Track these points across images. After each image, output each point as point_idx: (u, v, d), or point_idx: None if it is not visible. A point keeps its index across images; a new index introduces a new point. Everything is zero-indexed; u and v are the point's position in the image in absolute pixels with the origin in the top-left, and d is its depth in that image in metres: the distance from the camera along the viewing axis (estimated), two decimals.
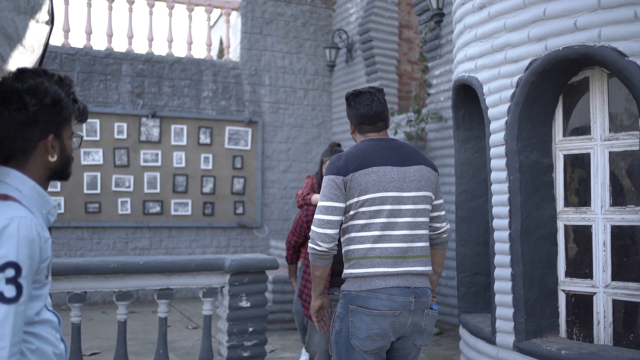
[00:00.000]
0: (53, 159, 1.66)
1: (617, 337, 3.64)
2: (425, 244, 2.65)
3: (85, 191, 7.98)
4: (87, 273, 4.21)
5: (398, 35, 8.53)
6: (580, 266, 3.81)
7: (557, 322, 3.86)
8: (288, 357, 5.36)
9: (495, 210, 3.99)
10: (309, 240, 2.62)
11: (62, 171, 1.72)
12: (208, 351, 4.53)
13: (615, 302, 3.64)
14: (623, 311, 3.65)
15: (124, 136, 8.19)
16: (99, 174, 8.07)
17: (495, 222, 3.98)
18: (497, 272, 3.97)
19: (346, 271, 2.61)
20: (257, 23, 9.03)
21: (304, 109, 9.28)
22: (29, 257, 1.49)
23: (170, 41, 8.65)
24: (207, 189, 8.58)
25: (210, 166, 8.59)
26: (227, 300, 4.57)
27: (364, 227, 2.55)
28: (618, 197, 3.66)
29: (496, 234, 3.98)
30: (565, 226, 3.87)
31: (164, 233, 8.37)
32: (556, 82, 3.78)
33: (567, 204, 3.87)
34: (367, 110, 2.69)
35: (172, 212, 8.39)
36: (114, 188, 8.14)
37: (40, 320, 1.60)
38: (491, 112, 4.01)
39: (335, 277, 3.54)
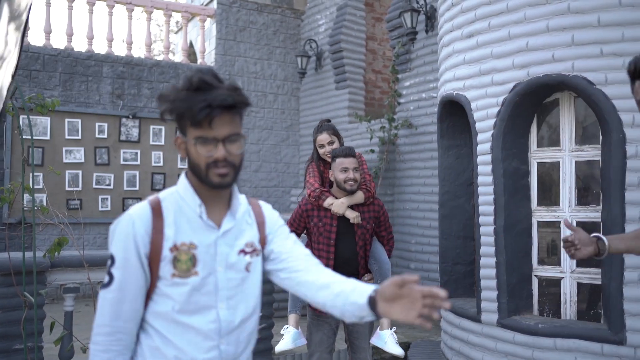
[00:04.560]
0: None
1: (580, 314, 4.44)
2: None
3: (67, 188, 8.22)
4: None
5: (364, 47, 9.21)
6: (551, 255, 4.59)
7: (531, 302, 4.62)
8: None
9: (481, 208, 4.71)
10: None
11: None
12: None
13: (579, 285, 4.44)
14: (585, 292, 4.46)
15: (105, 136, 8.48)
16: (80, 172, 8.33)
17: (482, 219, 4.71)
18: (483, 261, 4.69)
19: None
20: (231, 30, 9.51)
21: (274, 113, 9.83)
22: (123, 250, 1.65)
23: (149, 45, 8.98)
24: None
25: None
26: None
27: None
28: (582, 198, 4.46)
29: (482, 229, 4.70)
30: (539, 222, 4.64)
31: None
32: (533, 101, 4.54)
33: (539, 203, 4.65)
34: None
35: None
36: (94, 185, 8.42)
37: (177, 321, 1.67)
38: (478, 125, 4.73)
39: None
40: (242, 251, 1.75)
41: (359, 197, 3.82)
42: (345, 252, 3.79)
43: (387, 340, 3.86)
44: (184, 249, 1.67)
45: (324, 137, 4.00)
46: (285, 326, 3.82)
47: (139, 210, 1.68)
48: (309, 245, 3.86)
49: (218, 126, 1.58)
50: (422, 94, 7.42)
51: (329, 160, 3.93)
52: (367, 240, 3.87)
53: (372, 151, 7.62)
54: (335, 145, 3.98)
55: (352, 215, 3.76)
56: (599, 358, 4.05)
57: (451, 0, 5.06)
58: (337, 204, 3.75)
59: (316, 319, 3.81)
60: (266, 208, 1.90)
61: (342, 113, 8.96)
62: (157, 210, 1.69)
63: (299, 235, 3.94)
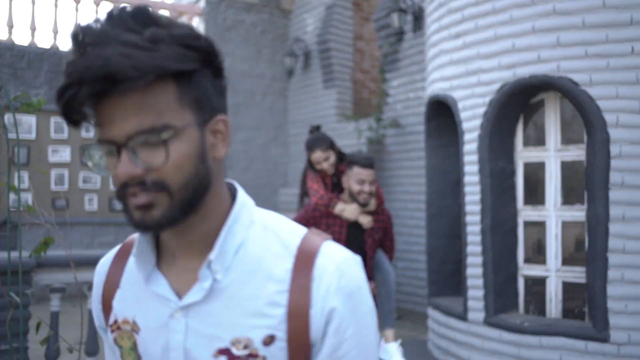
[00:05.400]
0: None
1: (565, 312, 4.48)
2: None
3: (53, 188, 8.17)
4: None
5: (352, 46, 9.23)
6: (536, 254, 4.63)
7: (517, 301, 4.66)
8: None
9: (468, 208, 4.74)
10: None
11: None
12: None
13: (564, 284, 4.49)
14: (570, 290, 4.50)
15: (91, 135, 8.42)
16: (66, 171, 8.28)
17: (469, 218, 4.74)
18: (470, 260, 4.72)
19: None
20: (219, 29, 9.48)
21: (262, 112, 9.81)
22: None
23: None
24: None
25: None
26: None
27: None
28: (567, 197, 4.51)
29: (469, 228, 4.73)
30: (525, 222, 4.67)
31: (128, 230, 8.67)
32: (520, 102, 4.57)
33: (526, 203, 4.68)
34: None
35: None
36: (81, 185, 8.36)
37: None
38: (465, 125, 4.76)
39: None
40: (225, 352, 0.88)
41: (371, 204, 3.64)
42: None
43: (393, 354, 3.70)
44: (127, 329, 0.96)
45: (318, 156, 3.72)
46: None
47: (102, 261, 1.07)
48: None
49: (111, 119, 0.80)
50: (410, 94, 7.44)
51: (329, 173, 3.78)
52: (374, 251, 3.73)
53: (360, 151, 7.64)
54: (332, 159, 3.76)
55: (366, 220, 3.57)
56: (584, 356, 4.09)
57: (438, 0, 5.09)
58: (350, 210, 3.54)
59: None
60: (330, 275, 0.88)
61: (330, 112, 8.97)
62: (121, 258, 1.03)
63: None
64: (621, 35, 4.04)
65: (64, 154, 8.28)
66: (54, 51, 8.27)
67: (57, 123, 8.22)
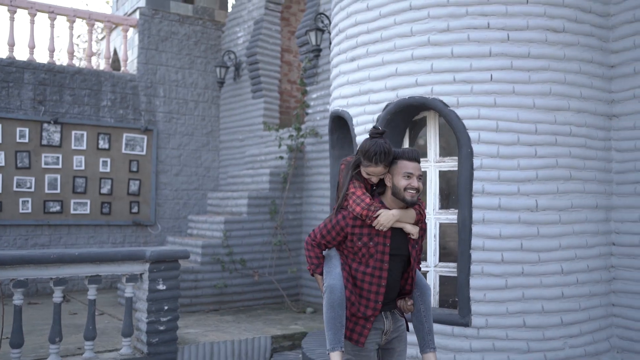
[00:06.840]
0: None
1: (441, 302, 5.17)
2: None
3: None
4: (30, 263, 5.03)
5: (280, 59, 9.82)
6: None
7: None
8: (192, 332, 6.44)
9: None
10: None
11: None
12: (130, 327, 5.51)
13: (441, 277, 5.17)
14: (446, 283, 5.19)
15: (26, 140, 8.75)
16: (0, 175, 8.58)
17: None
18: None
19: None
20: (153, 40, 9.93)
21: (195, 119, 10.31)
22: None
23: (71, 52, 9.30)
24: (105, 190, 9.35)
25: (108, 169, 9.37)
26: (146, 284, 5.59)
27: None
28: (444, 202, 5.20)
29: None
30: None
31: (63, 230, 9.03)
32: (404, 119, 5.24)
33: None
34: None
35: (72, 211, 9.07)
36: (15, 188, 8.67)
37: None
38: (358, 139, 5.40)
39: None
40: None
41: (411, 215, 3.07)
42: (395, 276, 3.10)
43: None
44: None
45: (378, 171, 3.05)
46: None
47: None
48: (345, 267, 3.10)
49: None
50: (327, 106, 8.07)
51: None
52: (417, 263, 3.24)
53: (281, 157, 8.22)
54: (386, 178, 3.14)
55: (414, 230, 3.05)
56: (450, 338, 4.78)
57: (338, 27, 5.72)
58: (386, 215, 2.97)
59: (357, 353, 3.13)
60: None
61: (257, 121, 9.53)
62: None
63: (326, 248, 3.18)
64: (482, 64, 4.75)
65: None
66: None
67: None
